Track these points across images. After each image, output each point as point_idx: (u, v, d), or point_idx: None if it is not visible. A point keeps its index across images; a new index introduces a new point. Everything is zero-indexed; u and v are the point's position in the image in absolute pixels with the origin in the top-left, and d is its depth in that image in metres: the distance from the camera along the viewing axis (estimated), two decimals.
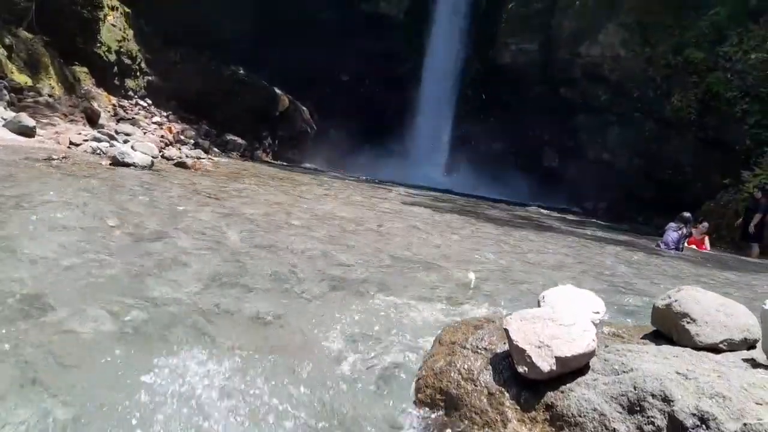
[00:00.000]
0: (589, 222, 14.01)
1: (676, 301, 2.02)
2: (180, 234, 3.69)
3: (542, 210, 16.48)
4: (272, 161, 21.81)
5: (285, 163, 21.56)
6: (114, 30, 19.33)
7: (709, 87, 21.43)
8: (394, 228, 5.38)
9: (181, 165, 9.61)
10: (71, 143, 9.71)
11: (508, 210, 14.08)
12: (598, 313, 2.05)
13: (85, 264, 2.81)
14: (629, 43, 23.29)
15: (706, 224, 11.49)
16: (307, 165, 23.74)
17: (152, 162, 7.92)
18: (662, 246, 9.17)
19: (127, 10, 20.11)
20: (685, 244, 9.53)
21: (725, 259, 9.36)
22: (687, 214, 9.90)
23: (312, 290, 2.96)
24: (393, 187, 17.42)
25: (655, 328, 2.15)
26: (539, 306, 2.12)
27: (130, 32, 20.07)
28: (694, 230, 10.59)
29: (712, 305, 1.99)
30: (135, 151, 10.32)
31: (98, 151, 9.26)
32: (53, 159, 6.96)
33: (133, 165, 7.57)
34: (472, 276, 2.36)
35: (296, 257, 3.66)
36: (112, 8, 19.44)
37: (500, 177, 25.55)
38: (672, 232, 9.26)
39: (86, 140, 10.12)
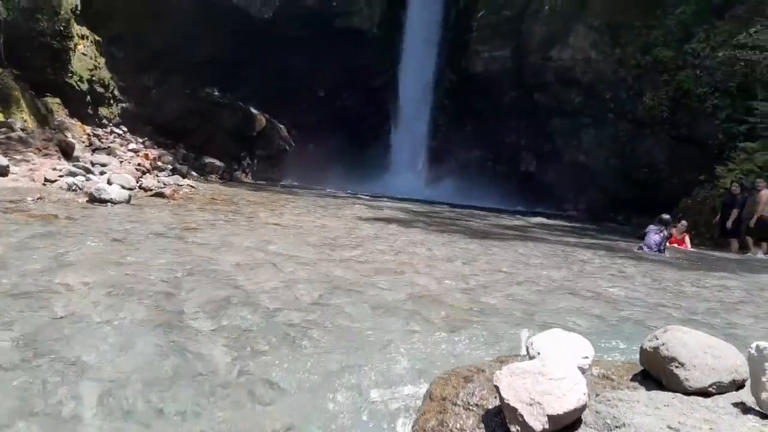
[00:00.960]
0: (570, 228, 14.08)
1: (663, 344, 2.02)
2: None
3: (528, 218, 16.55)
4: (251, 181, 21.71)
5: (264, 183, 21.47)
6: (85, 59, 19.13)
7: (679, 84, 21.80)
8: (382, 264, 5.33)
9: (159, 195, 9.51)
10: (46, 180, 9.56)
11: (489, 220, 14.12)
12: (587, 358, 2.05)
13: None
14: (599, 45, 23.63)
15: (684, 222, 11.63)
16: (287, 183, 23.68)
17: (129, 197, 7.82)
18: (645, 249, 9.26)
19: (98, 38, 19.91)
20: (667, 245, 9.64)
21: (709, 258, 9.47)
22: (666, 216, 10.01)
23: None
24: (373, 201, 17.41)
25: (643, 368, 2.15)
26: (527, 352, 2.12)
27: (102, 60, 19.88)
28: (673, 230, 10.71)
29: (699, 347, 2.00)
30: (112, 184, 10.23)
31: (74, 187, 9.12)
32: (27, 201, 6.85)
33: (110, 201, 7.47)
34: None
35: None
36: (82, 37, 19.24)
37: (480, 184, 25.73)
38: (653, 235, 9.37)
39: (61, 176, 9.98)
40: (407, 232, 8.38)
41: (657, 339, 2.06)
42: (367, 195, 21.23)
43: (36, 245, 4.36)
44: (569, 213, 24.37)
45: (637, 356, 2.16)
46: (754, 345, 1.80)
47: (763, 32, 14.82)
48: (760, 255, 11.21)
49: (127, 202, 7.67)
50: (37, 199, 7.04)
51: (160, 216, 6.70)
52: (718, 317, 3.98)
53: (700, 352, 1.97)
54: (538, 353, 2.01)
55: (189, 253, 4.34)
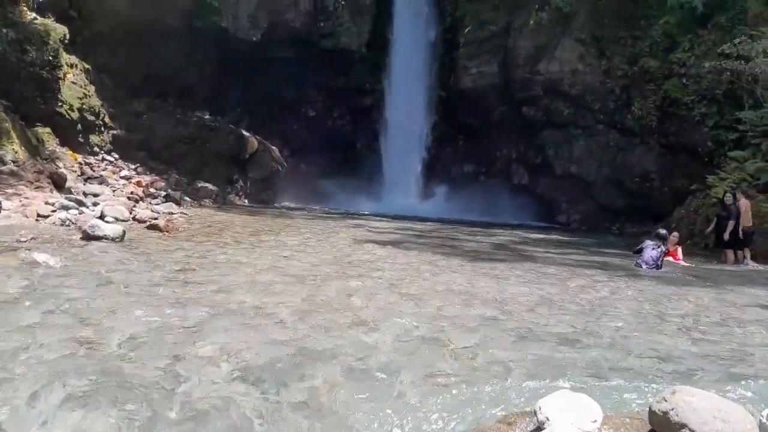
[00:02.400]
0: (567, 243, 14.10)
1: (672, 409, 2.02)
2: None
3: (523, 233, 16.57)
4: (245, 204, 21.69)
5: (258, 205, 21.46)
6: (75, 87, 19.12)
7: (666, 93, 22.07)
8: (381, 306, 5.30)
9: (153, 228, 9.46)
10: (39, 216, 9.50)
11: (484, 238, 14.13)
12: (595, 421, 2.04)
13: None
14: (586, 57, 23.86)
15: (676, 234, 11.68)
16: (281, 204, 23.69)
17: (123, 232, 7.76)
18: (643, 265, 9.29)
19: (87, 66, 19.93)
20: (663, 260, 9.68)
21: (708, 274, 9.48)
22: (663, 232, 10.08)
23: None
24: (368, 220, 17.41)
25: (653, 428, 2.14)
26: (536, 416, 2.11)
27: (92, 88, 19.87)
28: (667, 241, 10.73)
29: (709, 411, 1.99)
30: (106, 217, 10.20)
31: (67, 222, 9.08)
32: (21, 241, 6.80)
33: (104, 237, 7.43)
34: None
35: None
36: (71, 66, 19.25)
37: (473, 198, 25.79)
38: (651, 250, 9.41)
39: (54, 210, 9.92)
40: (404, 259, 8.39)
41: (666, 402, 2.06)
42: (361, 214, 21.26)
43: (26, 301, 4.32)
44: (563, 224, 24.48)
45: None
46: (765, 413, 1.79)
47: (747, 43, 15.00)
48: (748, 263, 11.29)
49: (122, 238, 7.62)
50: (30, 239, 6.99)
51: (155, 256, 6.65)
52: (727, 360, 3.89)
53: (710, 417, 1.97)
54: (547, 419, 2.01)
55: (184, 318, 4.24)
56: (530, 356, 3.55)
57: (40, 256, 5.60)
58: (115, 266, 5.70)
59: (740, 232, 11.73)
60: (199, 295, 4.40)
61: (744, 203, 12.17)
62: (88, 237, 7.46)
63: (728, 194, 12.44)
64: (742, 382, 3.13)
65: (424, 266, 7.02)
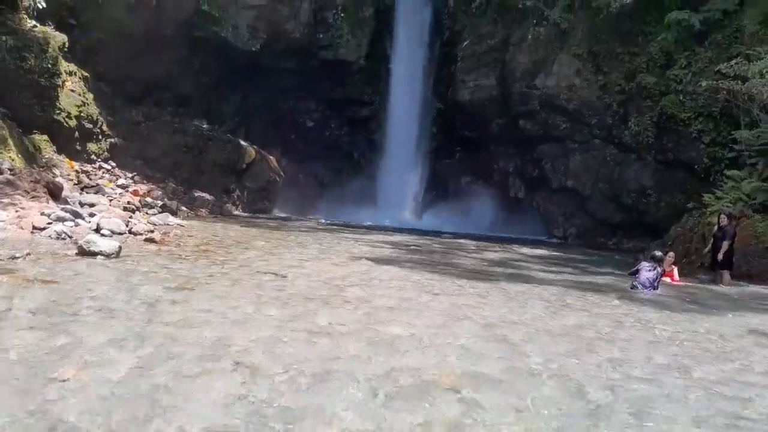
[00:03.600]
0: (563, 261, 14.10)
1: None
2: None
3: (520, 249, 16.57)
4: (242, 214, 21.68)
5: (255, 216, 21.45)
6: (73, 95, 19.13)
7: (663, 110, 22.16)
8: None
9: (149, 241, 9.45)
10: (35, 228, 9.47)
11: (480, 254, 14.13)
12: None
13: None
14: (583, 72, 23.98)
15: (672, 254, 11.71)
16: (278, 214, 23.68)
17: (119, 248, 7.74)
18: (639, 287, 9.30)
19: (86, 74, 19.95)
20: (659, 281, 9.69)
21: (702, 297, 9.49)
22: (659, 254, 10.11)
23: None
24: (365, 233, 17.41)
25: None
26: None
27: (90, 96, 19.89)
28: (663, 262, 10.74)
29: None
30: (102, 230, 10.18)
31: (63, 236, 9.05)
32: (16, 258, 6.77)
33: (100, 253, 7.40)
34: None
35: None
36: (70, 74, 19.28)
37: (470, 211, 25.88)
38: (647, 272, 9.42)
39: (50, 223, 9.88)
40: (400, 279, 8.39)
41: None
42: (357, 226, 21.26)
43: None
44: (559, 238, 24.51)
45: None
46: None
47: (743, 63, 15.10)
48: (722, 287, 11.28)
49: (117, 254, 7.59)
50: (26, 255, 6.96)
51: (151, 273, 6.62)
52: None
53: None
54: None
55: (175, 341, 4.16)
56: None
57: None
58: (104, 290, 5.64)
59: (721, 254, 11.80)
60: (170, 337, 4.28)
61: (724, 224, 12.30)
62: (84, 253, 7.44)
63: (722, 215, 12.49)
64: None
65: (421, 295, 6.96)
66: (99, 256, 7.38)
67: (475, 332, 5.12)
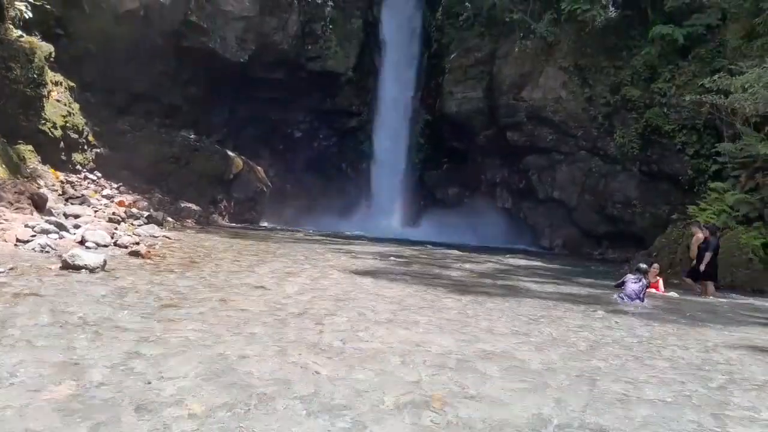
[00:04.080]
0: (549, 272, 14.18)
1: None
2: None
3: (507, 260, 16.63)
4: (229, 225, 21.58)
5: (242, 226, 21.36)
6: (59, 105, 18.99)
7: (648, 122, 22.48)
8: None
9: (134, 255, 9.37)
10: (18, 240, 9.36)
11: (467, 265, 14.17)
12: None
13: None
14: (569, 84, 24.27)
15: (656, 265, 11.82)
16: (265, 225, 23.61)
17: (104, 261, 7.66)
18: (625, 299, 9.38)
19: (72, 84, 19.83)
20: (645, 293, 9.78)
21: (687, 309, 9.59)
22: (644, 266, 10.21)
23: None
24: (353, 245, 17.39)
25: None
26: None
27: (76, 106, 19.76)
28: (648, 273, 10.83)
29: None
30: (87, 242, 10.09)
31: (47, 249, 8.96)
32: (0, 272, 6.69)
33: (85, 267, 7.33)
34: None
35: None
36: (56, 83, 19.15)
37: (458, 221, 25.97)
38: (632, 284, 9.51)
39: (34, 235, 9.77)
40: (387, 300, 8.40)
41: None
42: (345, 236, 21.24)
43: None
44: (546, 248, 24.66)
45: None
46: None
47: (726, 78, 15.34)
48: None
49: (102, 268, 7.52)
50: (9, 269, 6.88)
51: (133, 290, 6.54)
52: None
53: None
54: None
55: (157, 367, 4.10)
56: None
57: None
58: (86, 307, 5.59)
59: (703, 265, 11.97)
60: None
61: (697, 237, 12.47)
62: (68, 266, 7.36)
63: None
64: None
65: (410, 314, 6.95)
66: (83, 270, 7.30)
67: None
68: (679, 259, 15.37)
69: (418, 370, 4.29)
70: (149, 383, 3.52)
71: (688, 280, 12.52)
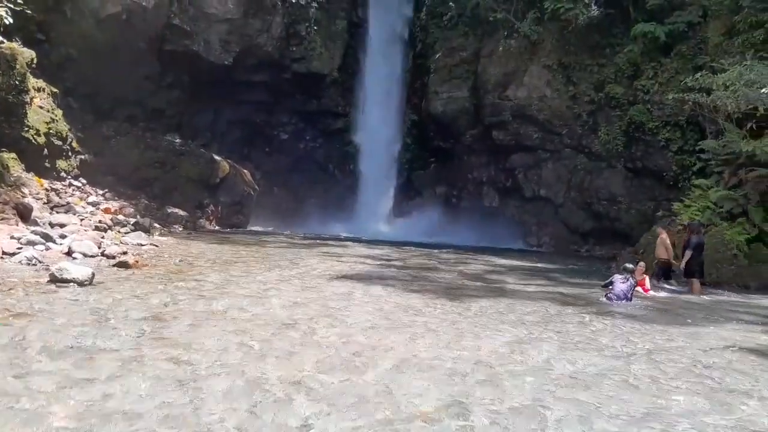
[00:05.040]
0: (537, 272, 14.28)
1: None
2: None
3: (495, 259, 16.71)
4: (217, 229, 21.49)
5: (230, 231, 21.29)
6: (41, 112, 18.77)
7: (631, 119, 22.69)
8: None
9: (122, 265, 9.30)
10: (4, 253, 9.26)
11: (456, 266, 14.22)
12: None
13: None
14: (553, 83, 24.41)
15: (642, 264, 11.92)
16: (253, 228, 23.53)
17: (92, 275, 7.60)
18: (613, 298, 9.49)
19: (54, 90, 19.61)
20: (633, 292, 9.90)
21: (674, 307, 9.72)
22: (630, 266, 10.33)
23: None
24: (341, 247, 17.41)
25: None
26: None
27: (59, 112, 19.54)
28: (635, 272, 10.94)
29: None
30: (74, 253, 10.02)
31: (34, 261, 8.88)
32: None
33: (73, 281, 7.28)
34: None
35: None
36: (39, 90, 18.93)
37: (445, 220, 26.06)
38: (620, 284, 9.62)
39: (20, 248, 9.68)
40: (374, 305, 8.43)
41: None
42: (333, 238, 21.25)
43: None
44: (533, 246, 24.82)
45: None
46: None
47: (708, 76, 15.51)
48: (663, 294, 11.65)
49: (90, 281, 7.47)
50: None
51: (122, 305, 6.48)
52: None
53: None
54: None
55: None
56: None
57: None
58: (73, 328, 5.54)
59: (683, 264, 12.21)
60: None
61: (662, 239, 12.79)
62: (56, 280, 7.31)
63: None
64: None
65: (399, 316, 6.99)
66: (71, 284, 7.25)
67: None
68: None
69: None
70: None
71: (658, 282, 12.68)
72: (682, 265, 12.17)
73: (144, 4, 21.77)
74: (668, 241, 13.03)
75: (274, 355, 4.87)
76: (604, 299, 9.62)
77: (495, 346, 5.73)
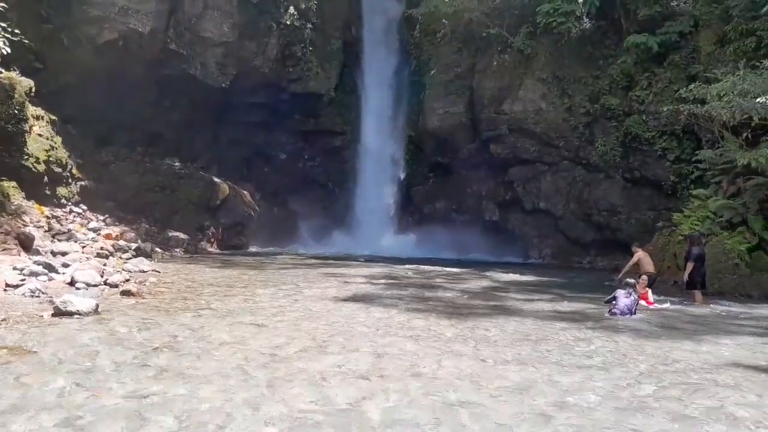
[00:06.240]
0: (540, 286, 14.27)
1: None
2: None
3: (497, 275, 16.71)
4: (218, 251, 21.51)
5: (230, 253, 21.31)
6: (40, 140, 18.87)
7: (627, 129, 22.82)
8: None
9: (126, 294, 9.32)
10: (7, 285, 9.27)
11: (458, 284, 14.22)
12: None
13: None
14: (548, 96, 24.55)
15: (645, 277, 11.95)
16: (254, 249, 23.55)
17: (96, 306, 7.61)
18: (618, 314, 9.50)
19: (53, 117, 19.73)
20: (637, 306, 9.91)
21: (678, 321, 9.71)
22: (632, 281, 10.35)
23: None
24: (343, 266, 17.41)
25: None
26: None
27: (58, 139, 19.65)
28: (637, 286, 10.96)
29: None
30: (77, 283, 10.03)
31: (37, 293, 8.88)
32: None
33: (77, 313, 7.29)
34: None
35: None
36: (38, 118, 19.06)
37: (446, 235, 26.09)
38: (623, 299, 9.63)
39: (23, 279, 9.69)
40: (383, 324, 8.42)
41: None
42: (334, 257, 21.28)
43: None
44: (535, 259, 24.84)
45: None
46: None
47: (701, 88, 15.62)
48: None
49: (95, 311, 7.49)
50: (1, 321, 6.82)
51: (127, 337, 6.50)
52: None
53: None
54: None
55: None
56: None
57: None
58: (78, 361, 5.55)
59: (685, 275, 12.21)
60: None
61: (639, 255, 12.87)
62: (60, 313, 7.32)
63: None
64: None
65: (405, 343, 6.99)
66: (76, 316, 7.26)
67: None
68: (667, 266, 15.57)
69: None
70: None
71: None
72: (685, 276, 12.18)
73: (140, 29, 21.98)
74: (647, 257, 13.04)
75: (285, 390, 4.87)
76: (608, 315, 9.62)
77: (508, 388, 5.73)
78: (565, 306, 10.76)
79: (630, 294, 9.74)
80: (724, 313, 10.88)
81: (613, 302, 9.75)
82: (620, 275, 12.14)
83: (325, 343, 6.60)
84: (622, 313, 9.49)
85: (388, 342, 6.81)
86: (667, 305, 11.41)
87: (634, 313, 9.61)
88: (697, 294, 12.03)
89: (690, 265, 12.06)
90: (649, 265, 12.84)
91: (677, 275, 14.32)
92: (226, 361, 5.64)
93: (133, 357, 5.61)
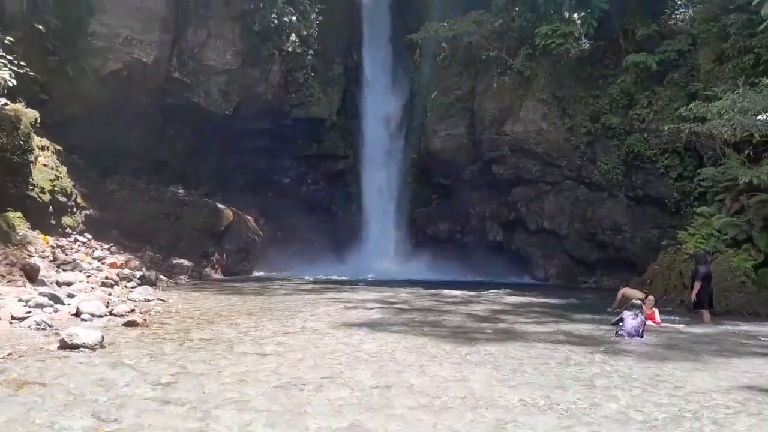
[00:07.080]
0: (546, 308, 14.20)
1: None
2: None
3: (502, 296, 16.66)
4: (222, 278, 21.50)
5: (235, 278, 21.31)
6: (46, 170, 19.01)
7: (629, 148, 22.88)
8: None
9: (131, 324, 9.32)
10: (13, 318, 9.29)
11: (463, 306, 14.18)
12: None
13: None
14: (549, 116, 24.68)
15: (651, 298, 11.95)
16: (259, 274, 23.55)
17: (102, 338, 7.62)
18: (625, 336, 9.45)
19: (58, 147, 19.90)
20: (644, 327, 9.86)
21: (685, 342, 9.66)
22: (638, 302, 10.31)
23: None
24: (347, 291, 17.38)
25: None
26: None
27: (63, 169, 19.78)
28: (643, 307, 10.92)
29: None
30: (82, 314, 10.04)
31: (43, 325, 8.89)
32: None
33: (83, 346, 7.29)
34: None
35: None
36: (43, 148, 19.21)
37: (451, 257, 26.06)
38: (630, 321, 9.58)
39: (29, 312, 9.71)
40: (388, 351, 8.40)
41: None
42: (339, 281, 21.26)
43: None
44: (540, 280, 24.75)
45: None
46: None
47: (701, 106, 15.70)
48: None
49: (101, 344, 7.49)
50: (8, 355, 6.83)
51: (133, 369, 6.50)
52: None
53: None
54: None
55: None
56: None
57: None
58: (85, 395, 5.55)
59: (693, 295, 12.18)
60: None
61: (621, 292, 13.16)
62: (66, 346, 7.32)
63: (692, 256, 13.04)
64: None
65: (409, 374, 6.95)
66: (82, 349, 7.26)
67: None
68: (673, 285, 15.50)
69: None
70: None
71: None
72: (693, 296, 12.13)
73: (144, 59, 22.28)
74: (631, 290, 13.20)
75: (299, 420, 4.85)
76: (616, 337, 9.56)
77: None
78: (574, 328, 10.70)
79: (636, 315, 9.69)
80: (734, 333, 10.80)
81: (620, 324, 9.70)
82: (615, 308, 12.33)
83: (335, 374, 6.57)
84: (629, 335, 9.44)
85: (396, 370, 6.79)
86: (681, 326, 11.34)
87: (642, 336, 9.55)
88: (705, 313, 11.98)
89: (697, 285, 12.02)
90: (635, 292, 12.84)
91: (683, 294, 14.29)
92: (235, 392, 5.63)
93: (138, 390, 5.60)
